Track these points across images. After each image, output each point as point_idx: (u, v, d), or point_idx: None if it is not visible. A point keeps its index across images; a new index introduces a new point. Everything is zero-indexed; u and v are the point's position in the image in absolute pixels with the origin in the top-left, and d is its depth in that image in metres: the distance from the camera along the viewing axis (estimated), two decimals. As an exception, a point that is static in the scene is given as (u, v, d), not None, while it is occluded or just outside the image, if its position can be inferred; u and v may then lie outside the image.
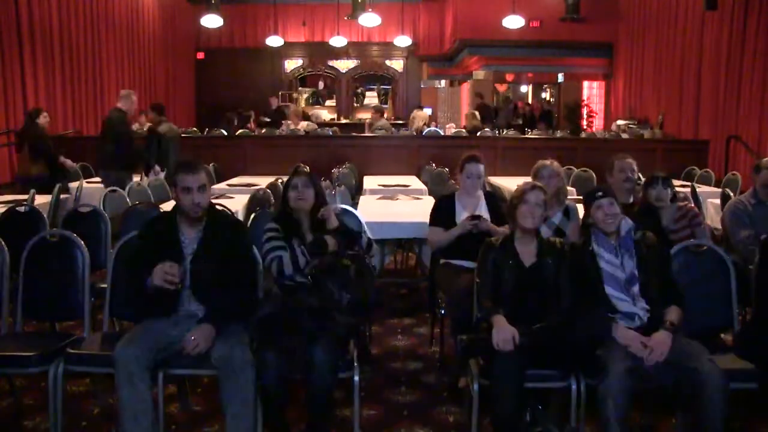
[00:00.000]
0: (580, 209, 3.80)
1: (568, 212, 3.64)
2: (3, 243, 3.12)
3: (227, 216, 3.09)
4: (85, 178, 6.98)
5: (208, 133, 9.81)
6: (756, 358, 2.68)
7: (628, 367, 2.48)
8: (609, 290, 2.76)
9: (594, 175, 6.98)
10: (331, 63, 15.71)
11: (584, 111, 13.27)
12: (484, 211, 3.75)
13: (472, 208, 3.74)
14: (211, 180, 2.91)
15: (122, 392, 2.53)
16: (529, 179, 3.71)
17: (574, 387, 2.64)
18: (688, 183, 6.86)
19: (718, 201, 5.53)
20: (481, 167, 3.80)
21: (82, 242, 3.13)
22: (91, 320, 3.10)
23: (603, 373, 2.48)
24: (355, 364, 2.78)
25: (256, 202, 4.86)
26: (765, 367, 2.62)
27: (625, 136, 9.79)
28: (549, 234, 3.42)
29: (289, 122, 9.90)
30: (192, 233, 2.84)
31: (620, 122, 10.72)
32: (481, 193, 3.83)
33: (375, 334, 4.21)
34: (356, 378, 2.75)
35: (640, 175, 3.89)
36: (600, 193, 2.87)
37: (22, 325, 3.10)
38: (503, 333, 2.59)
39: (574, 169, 7.34)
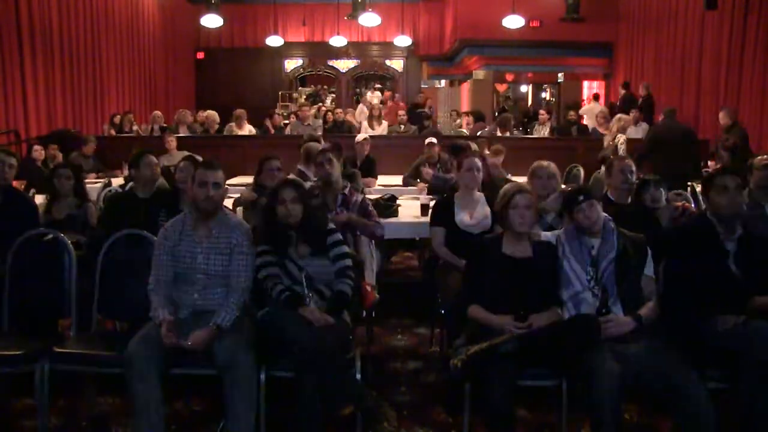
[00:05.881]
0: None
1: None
2: None
3: (237, 218, 3.12)
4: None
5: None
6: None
7: (617, 369, 2.48)
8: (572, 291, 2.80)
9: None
10: (331, 63, 15.72)
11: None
12: (483, 211, 3.76)
13: (471, 209, 3.75)
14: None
15: (135, 390, 2.56)
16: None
17: (565, 386, 2.66)
18: (688, 182, 6.85)
19: (718, 201, 5.52)
20: (478, 161, 3.83)
21: (69, 242, 3.15)
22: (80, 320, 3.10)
23: (593, 373, 2.47)
24: (357, 363, 2.79)
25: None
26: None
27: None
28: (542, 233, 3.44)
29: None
30: (203, 229, 2.90)
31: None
32: (480, 193, 3.84)
33: (375, 334, 4.21)
34: (358, 376, 2.78)
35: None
36: (581, 197, 2.86)
37: (9, 324, 3.10)
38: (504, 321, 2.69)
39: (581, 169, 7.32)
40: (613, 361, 2.50)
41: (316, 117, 10.27)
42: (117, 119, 9.61)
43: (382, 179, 7.05)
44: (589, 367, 2.50)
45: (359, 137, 6.44)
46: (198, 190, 2.87)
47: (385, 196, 4.85)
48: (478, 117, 9.78)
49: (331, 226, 3.12)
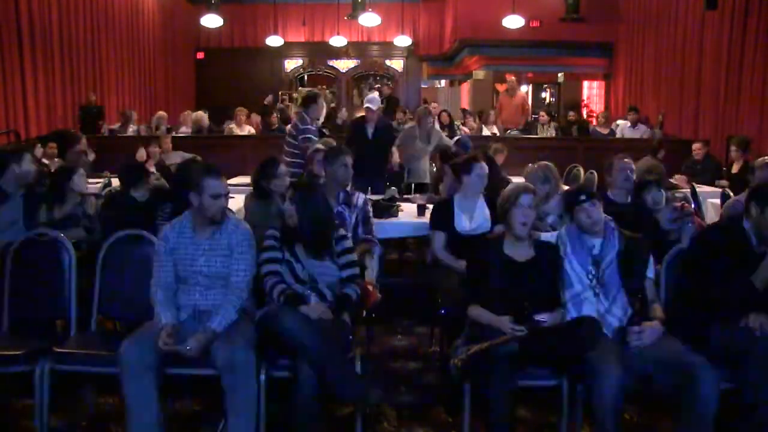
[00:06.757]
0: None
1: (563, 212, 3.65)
2: None
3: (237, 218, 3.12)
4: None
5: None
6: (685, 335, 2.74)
7: (621, 369, 2.49)
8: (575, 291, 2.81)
9: (596, 176, 6.98)
10: (331, 63, 15.71)
11: (584, 111, 13.27)
12: (483, 213, 3.76)
13: (470, 212, 3.75)
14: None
15: (128, 390, 2.57)
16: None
17: (565, 386, 2.67)
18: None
19: (718, 201, 5.53)
20: (486, 166, 3.83)
21: (69, 242, 3.15)
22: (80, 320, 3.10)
23: (595, 374, 2.48)
24: (357, 363, 2.79)
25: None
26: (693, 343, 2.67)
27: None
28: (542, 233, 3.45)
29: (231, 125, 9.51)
30: (203, 231, 2.89)
31: (620, 122, 10.74)
32: (480, 195, 3.84)
33: (375, 334, 4.21)
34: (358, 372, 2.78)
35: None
36: (583, 197, 2.86)
37: (9, 325, 3.10)
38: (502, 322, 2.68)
39: (581, 169, 7.34)
40: (615, 361, 2.50)
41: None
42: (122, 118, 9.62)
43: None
44: (590, 368, 2.50)
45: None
46: (211, 201, 2.83)
47: (386, 197, 4.86)
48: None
49: (342, 231, 3.12)
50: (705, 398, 2.45)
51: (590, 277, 2.81)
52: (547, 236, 3.16)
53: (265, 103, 11.64)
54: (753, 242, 2.82)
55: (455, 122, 10.19)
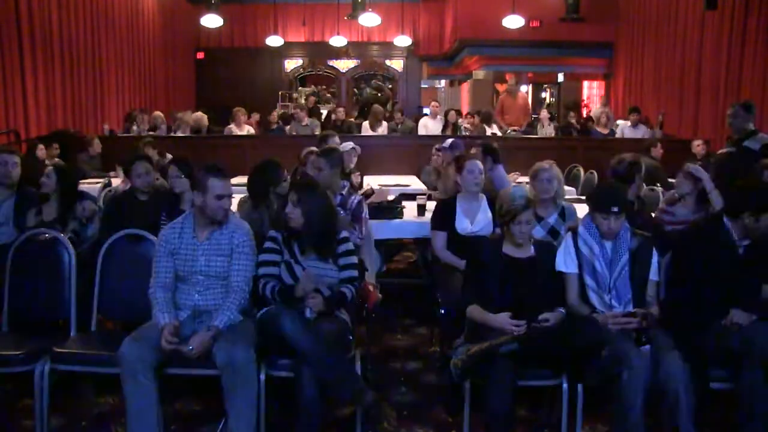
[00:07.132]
0: (579, 210, 3.81)
1: (564, 213, 3.65)
2: None
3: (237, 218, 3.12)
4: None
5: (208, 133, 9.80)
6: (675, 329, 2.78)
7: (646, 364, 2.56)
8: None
9: (596, 176, 6.99)
10: (331, 63, 15.71)
11: (584, 111, 13.27)
12: (486, 217, 3.76)
13: (473, 214, 3.75)
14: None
15: (127, 390, 2.57)
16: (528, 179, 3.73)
17: (565, 386, 2.68)
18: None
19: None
20: (479, 164, 3.83)
21: (68, 241, 3.15)
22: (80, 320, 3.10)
23: (623, 365, 2.54)
24: (358, 362, 2.79)
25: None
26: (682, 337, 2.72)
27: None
28: (543, 234, 3.45)
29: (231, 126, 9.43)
30: (204, 231, 2.89)
31: (620, 122, 10.74)
32: (482, 195, 3.84)
33: (375, 334, 4.21)
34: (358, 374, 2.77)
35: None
36: (615, 209, 2.82)
37: (9, 325, 3.11)
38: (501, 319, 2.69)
39: (581, 169, 7.34)
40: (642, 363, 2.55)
41: (311, 116, 10.29)
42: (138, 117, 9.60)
43: (382, 179, 7.06)
44: (618, 358, 2.54)
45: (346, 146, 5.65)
46: (214, 201, 2.83)
47: (392, 198, 4.85)
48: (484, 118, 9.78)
49: (344, 234, 3.10)
50: (633, 389, 2.52)
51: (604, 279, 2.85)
52: (542, 234, 3.15)
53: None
54: (734, 240, 2.86)
55: (458, 121, 10.19)
